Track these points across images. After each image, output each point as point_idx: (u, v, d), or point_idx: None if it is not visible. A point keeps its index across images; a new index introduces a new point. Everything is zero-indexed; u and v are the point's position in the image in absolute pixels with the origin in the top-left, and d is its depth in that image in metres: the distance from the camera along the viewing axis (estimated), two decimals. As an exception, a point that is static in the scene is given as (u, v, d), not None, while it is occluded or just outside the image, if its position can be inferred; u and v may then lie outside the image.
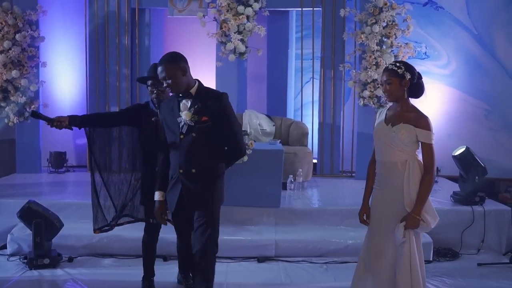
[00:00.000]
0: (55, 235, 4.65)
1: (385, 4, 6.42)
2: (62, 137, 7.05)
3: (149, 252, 4.09)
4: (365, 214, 3.43)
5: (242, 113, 6.77)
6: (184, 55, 3.38)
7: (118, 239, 4.89)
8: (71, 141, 7.49)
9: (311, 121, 7.30)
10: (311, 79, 7.41)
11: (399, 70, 3.19)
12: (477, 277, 4.61)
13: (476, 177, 5.35)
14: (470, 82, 7.17)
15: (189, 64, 3.38)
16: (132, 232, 4.86)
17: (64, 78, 7.50)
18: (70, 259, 4.77)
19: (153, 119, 3.84)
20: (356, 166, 7.08)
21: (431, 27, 7.18)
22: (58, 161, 7.04)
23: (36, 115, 3.80)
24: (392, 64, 3.24)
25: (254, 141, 5.23)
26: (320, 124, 7.19)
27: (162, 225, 3.86)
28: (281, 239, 4.94)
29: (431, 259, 4.90)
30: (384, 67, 3.35)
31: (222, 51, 6.61)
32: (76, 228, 4.97)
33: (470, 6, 7.11)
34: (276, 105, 7.58)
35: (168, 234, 4.16)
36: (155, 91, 3.82)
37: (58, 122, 3.74)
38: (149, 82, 3.84)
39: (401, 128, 3.18)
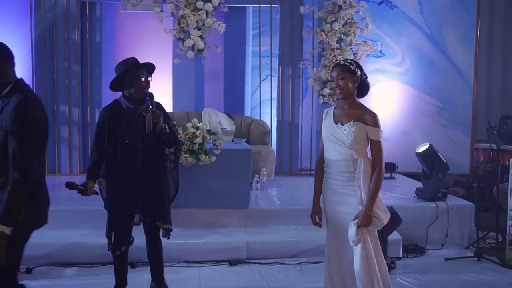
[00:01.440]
0: (12, 245, 4.29)
1: (345, 2, 6.44)
2: None
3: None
4: (317, 216, 3.41)
5: (201, 112, 6.60)
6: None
7: (81, 246, 4.61)
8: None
9: (270, 119, 7.23)
10: (268, 76, 7.33)
11: (351, 66, 3.18)
12: (446, 271, 4.68)
13: (440, 174, 5.46)
14: (423, 80, 7.33)
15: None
16: (95, 239, 4.63)
17: (7, 75, 7.01)
18: (29, 270, 4.41)
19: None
20: (315, 164, 7.05)
21: (386, 25, 7.28)
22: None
23: (71, 186, 3.45)
24: (344, 60, 3.26)
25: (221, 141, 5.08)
26: (278, 122, 7.13)
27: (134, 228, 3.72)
28: (252, 241, 4.81)
29: (400, 256, 4.93)
30: (335, 63, 3.35)
31: (180, 48, 6.39)
32: (34, 235, 4.61)
33: (423, 6, 7.27)
34: (233, 103, 7.45)
35: (137, 239, 3.92)
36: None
37: (90, 189, 3.51)
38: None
39: (352, 126, 3.16)
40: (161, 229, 3.74)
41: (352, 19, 6.57)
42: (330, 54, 6.48)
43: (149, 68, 3.60)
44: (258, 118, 7.15)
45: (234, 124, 6.61)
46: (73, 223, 4.94)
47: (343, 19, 6.49)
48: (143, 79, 3.55)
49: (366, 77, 3.32)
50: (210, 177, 4.93)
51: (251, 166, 5.15)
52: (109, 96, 7.21)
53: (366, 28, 6.59)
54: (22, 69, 7.10)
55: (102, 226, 4.79)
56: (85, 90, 6.96)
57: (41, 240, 4.55)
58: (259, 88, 7.42)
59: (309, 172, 7.23)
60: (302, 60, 6.99)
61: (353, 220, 3.13)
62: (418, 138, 7.16)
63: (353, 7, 6.54)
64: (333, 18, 6.49)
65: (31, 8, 6.76)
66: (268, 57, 7.23)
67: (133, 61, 3.58)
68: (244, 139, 5.72)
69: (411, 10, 7.29)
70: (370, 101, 6.73)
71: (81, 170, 6.98)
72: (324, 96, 6.65)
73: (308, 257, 4.81)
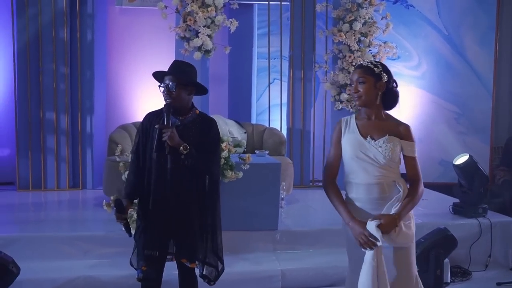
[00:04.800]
0: (10, 284, 3.56)
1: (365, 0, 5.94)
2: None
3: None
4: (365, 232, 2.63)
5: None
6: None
7: (89, 281, 3.91)
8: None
9: (279, 126, 6.64)
10: (275, 80, 6.76)
11: (375, 69, 2.64)
12: (502, 298, 4.23)
13: (481, 188, 4.99)
14: (440, 84, 6.91)
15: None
16: (105, 270, 3.97)
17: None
18: (27, 314, 3.71)
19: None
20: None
21: (401, 26, 6.82)
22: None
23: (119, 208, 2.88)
24: (368, 62, 2.70)
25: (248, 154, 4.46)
26: (289, 129, 6.55)
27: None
28: (287, 268, 4.23)
29: (449, 281, 4.44)
30: (357, 64, 2.79)
31: (185, 48, 5.73)
32: (30, 269, 3.90)
33: (440, 5, 6.86)
34: (239, 109, 6.84)
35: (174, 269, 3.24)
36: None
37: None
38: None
39: (387, 141, 2.62)
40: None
41: (372, 18, 6.07)
42: (350, 56, 5.95)
43: (176, 75, 2.92)
44: (268, 125, 6.54)
45: (245, 132, 5.99)
46: (76, 252, 4.24)
47: (363, 18, 5.97)
48: (161, 88, 2.91)
49: (396, 85, 2.73)
50: (235, 196, 4.30)
51: (280, 182, 4.56)
52: (101, 102, 6.50)
53: (387, 28, 6.10)
54: (3, 71, 6.33)
55: (111, 254, 4.21)
56: (75, 95, 6.19)
57: (38, 275, 3.90)
58: (265, 93, 6.83)
59: (321, 184, 6.68)
60: (314, 62, 6.44)
61: (372, 219, 2.55)
62: (434, 146, 6.73)
63: (373, 6, 6.03)
64: (352, 17, 5.96)
65: (12, 2, 5.97)
66: (275, 59, 6.65)
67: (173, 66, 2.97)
68: (267, 151, 5.11)
69: (427, 10, 6.86)
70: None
71: (70, 185, 6.22)
72: (341, 102, 6.12)
73: (349, 285, 4.25)
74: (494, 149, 7.14)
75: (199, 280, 3.13)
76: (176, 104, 2.91)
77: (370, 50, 6.13)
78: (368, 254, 2.54)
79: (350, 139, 2.69)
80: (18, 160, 6.09)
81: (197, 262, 3.03)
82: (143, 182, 2.95)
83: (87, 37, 6.22)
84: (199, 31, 5.57)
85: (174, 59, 5.73)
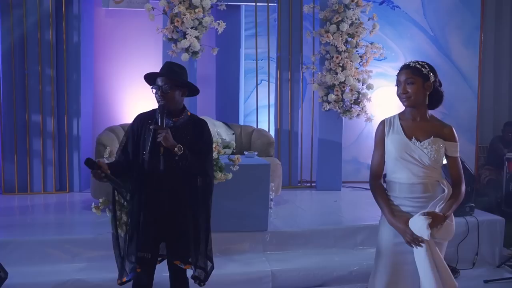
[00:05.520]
0: (-2, 289, 3.52)
1: (352, 0, 5.96)
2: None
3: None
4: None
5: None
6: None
7: (79, 284, 3.87)
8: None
9: (267, 127, 6.64)
10: (262, 81, 6.76)
11: (423, 69, 2.67)
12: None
13: (468, 187, 5.03)
14: (426, 84, 6.94)
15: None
16: (95, 273, 3.93)
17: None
18: (16, 318, 3.66)
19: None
20: (316, 176, 6.55)
21: (387, 27, 6.87)
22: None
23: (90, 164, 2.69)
24: (415, 62, 2.72)
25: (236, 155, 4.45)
26: (276, 130, 6.56)
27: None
28: (277, 269, 4.21)
29: (437, 279, 4.46)
30: (404, 65, 2.77)
31: (173, 50, 5.70)
32: (19, 274, 3.84)
33: (426, 6, 6.91)
34: (227, 110, 6.82)
35: (164, 272, 3.21)
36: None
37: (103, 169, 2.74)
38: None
39: (432, 142, 2.66)
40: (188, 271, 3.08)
41: (359, 19, 6.10)
42: (337, 57, 5.97)
43: (169, 76, 2.90)
44: (255, 126, 6.54)
45: (233, 134, 5.98)
46: (63, 255, 4.18)
47: (350, 19, 6.00)
48: (154, 90, 2.90)
49: (441, 85, 2.77)
50: (224, 197, 4.26)
51: (270, 183, 4.56)
52: (88, 104, 6.44)
53: (374, 29, 6.13)
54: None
55: (100, 257, 4.16)
56: (61, 97, 6.13)
57: (27, 279, 3.84)
58: (253, 94, 6.82)
59: (309, 185, 6.70)
60: (302, 63, 6.46)
61: (421, 214, 2.58)
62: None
63: (360, 7, 6.06)
64: (339, 18, 5.99)
65: (-5, 4, 5.92)
66: (263, 60, 6.65)
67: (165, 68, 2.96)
68: (256, 152, 5.11)
69: (413, 11, 6.91)
70: (372, 107, 6.31)
71: (56, 188, 6.16)
72: (329, 102, 6.14)
73: (339, 285, 4.26)
74: (480, 148, 7.22)
75: (190, 281, 3.12)
76: (170, 106, 2.90)
77: (357, 51, 6.16)
78: (420, 250, 2.59)
79: (394, 140, 2.71)
80: (4, 163, 6.02)
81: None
82: (124, 166, 2.90)
83: (73, 39, 6.16)
84: (186, 32, 5.55)
85: (162, 61, 5.78)
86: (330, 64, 6.09)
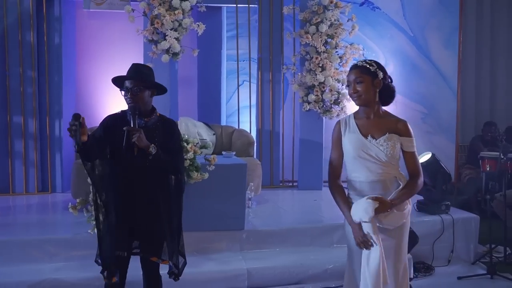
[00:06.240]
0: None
1: (331, 2, 6.02)
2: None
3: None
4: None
5: (176, 121, 5.94)
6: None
7: (55, 284, 3.91)
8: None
9: (249, 128, 6.69)
10: (244, 82, 6.82)
11: (371, 68, 2.73)
12: (463, 292, 4.35)
13: (444, 186, 5.12)
14: (407, 84, 7.02)
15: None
16: (72, 273, 3.97)
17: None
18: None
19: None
20: (298, 175, 6.60)
21: (368, 28, 6.93)
22: None
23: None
24: (362, 61, 2.79)
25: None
26: (258, 131, 6.61)
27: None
28: (253, 267, 4.27)
29: (411, 277, 4.52)
30: (353, 65, 2.84)
31: (153, 51, 5.74)
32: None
33: (406, 7, 6.99)
34: (208, 111, 6.85)
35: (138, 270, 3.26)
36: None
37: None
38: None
39: (387, 139, 2.71)
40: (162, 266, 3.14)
41: (338, 20, 6.17)
42: (317, 58, 6.04)
43: (138, 78, 2.97)
44: (237, 127, 6.59)
45: (214, 134, 6.02)
46: (41, 255, 4.22)
47: (329, 20, 6.06)
48: (123, 92, 2.98)
49: (391, 81, 2.84)
50: (201, 196, 4.35)
51: (246, 182, 4.61)
52: (70, 105, 6.47)
53: (353, 30, 6.19)
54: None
55: (77, 256, 4.21)
56: (43, 99, 6.16)
57: (4, 278, 3.87)
58: (234, 95, 6.87)
59: (291, 184, 6.76)
60: (283, 64, 6.52)
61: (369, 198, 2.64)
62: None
63: (339, 8, 6.13)
64: (319, 19, 6.05)
65: (-24, 6, 5.94)
66: (244, 61, 6.70)
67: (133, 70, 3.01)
68: (234, 152, 5.16)
69: (393, 12, 6.98)
70: (352, 107, 6.37)
71: (39, 189, 6.18)
72: (309, 103, 6.20)
73: (314, 282, 4.32)
74: (460, 147, 7.31)
75: (163, 278, 3.18)
76: (140, 106, 2.96)
77: (336, 52, 6.22)
78: (373, 251, 2.63)
79: (351, 139, 2.76)
80: (-15, 165, 6.04)
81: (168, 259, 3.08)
82: (93, 143, 2.85)
83: (55, 40, 6.18)
84: (166, 34, 5.59)
85: (144, 62, 5.82)
86: (310, 64, 6.15)
